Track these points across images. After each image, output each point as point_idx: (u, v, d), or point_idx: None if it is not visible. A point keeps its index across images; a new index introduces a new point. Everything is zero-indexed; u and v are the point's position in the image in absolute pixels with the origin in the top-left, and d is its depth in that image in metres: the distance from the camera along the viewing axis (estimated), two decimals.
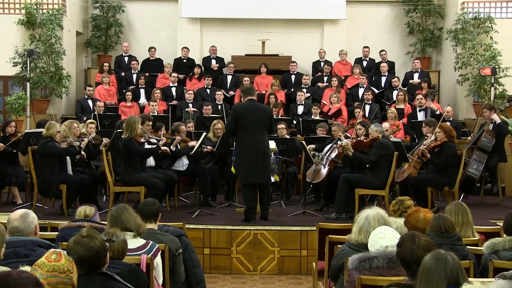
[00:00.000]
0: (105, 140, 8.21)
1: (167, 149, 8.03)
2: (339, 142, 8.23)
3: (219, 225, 7.26)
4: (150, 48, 12.78)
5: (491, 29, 11.63)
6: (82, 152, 7.88)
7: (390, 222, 4.10)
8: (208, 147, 8.47)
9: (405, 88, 11.81)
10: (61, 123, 8.58)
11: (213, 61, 12.87)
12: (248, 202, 7.41)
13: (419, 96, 10.14)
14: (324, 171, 8.21)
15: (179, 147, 8.36)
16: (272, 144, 7.71)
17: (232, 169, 8.06)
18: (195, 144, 8.12)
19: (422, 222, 4.18)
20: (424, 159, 8.13)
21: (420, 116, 10.22)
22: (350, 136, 8.44)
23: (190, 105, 11.32)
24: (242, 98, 7.69)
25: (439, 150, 8.02)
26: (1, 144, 8.32)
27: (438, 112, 9.40)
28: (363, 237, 3.97)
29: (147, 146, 7.84)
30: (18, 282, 2.21)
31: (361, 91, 11.64)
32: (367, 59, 12.72)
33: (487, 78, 11.00)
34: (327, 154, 8.35)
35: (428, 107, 9.74)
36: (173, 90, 11.97)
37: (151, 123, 8.15)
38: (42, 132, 7.84)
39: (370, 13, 13.42)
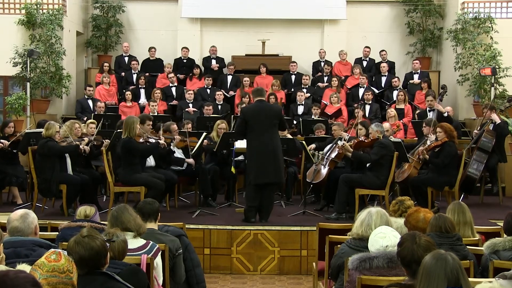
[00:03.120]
0: (106, 142, 8.19)
1: (165, 143, 7.93)
2: (339, 142, 8.23)
3: (219, 225, 7.26)
4: (150, 48, 12.78)
5: (491, 29, 11.62)
6: (87, 147, 7.86)
7: (391, 221, 4.11)
8: (205, 140, 8.39)
9: (405, 89, 11.79)
10: (61, 123, 8.57)
11: (213, 61, 12.86)
12: (250, 201, 7.41)
13: (429, 98, 10.13)
14: (324, 171, 8.20)
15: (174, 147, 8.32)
16: None
17: (232, 169, 8.05)
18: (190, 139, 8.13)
19: (422, 222, 4.18)
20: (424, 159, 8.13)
21: (431, 116, 10.13)
22: (349, 135, 8.43)
23: (190, 105, 11.32)
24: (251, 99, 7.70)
25: (440, 150, 8.01)
26: (5, 141, 8.31)
27: (446, 114, 9.32)
28: (364, 230, 3.98)
29: None
30: (15, 282, 2.20)
31: (361, 91, 11.64)
32: (367, 59, 12.72)
33: (487, 78, 10.99)
34: (327, 154, 8.35)
35: (436, 108, 9.67)
36: (173, 90, 11.97)
37: (151, 122, 8.12)
38: (42, 132, 7.83)
39: (370, 13, 13.41)
